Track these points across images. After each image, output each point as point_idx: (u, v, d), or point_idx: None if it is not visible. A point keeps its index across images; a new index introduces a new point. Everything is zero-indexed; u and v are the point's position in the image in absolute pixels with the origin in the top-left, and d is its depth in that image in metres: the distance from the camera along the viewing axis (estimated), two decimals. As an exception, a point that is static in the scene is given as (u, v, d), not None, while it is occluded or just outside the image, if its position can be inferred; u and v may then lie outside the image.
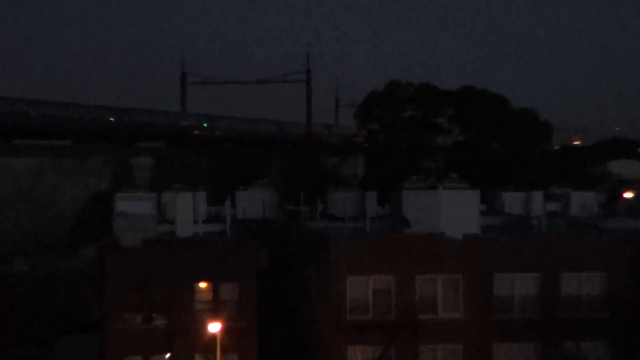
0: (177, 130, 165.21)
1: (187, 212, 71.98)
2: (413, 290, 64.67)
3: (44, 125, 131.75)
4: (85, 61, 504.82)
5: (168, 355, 63.71)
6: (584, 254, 66.29)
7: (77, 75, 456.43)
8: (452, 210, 66.64)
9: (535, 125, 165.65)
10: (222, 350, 61.52)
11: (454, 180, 72.54)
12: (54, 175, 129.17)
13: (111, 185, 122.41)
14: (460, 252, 65.16)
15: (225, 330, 61.87)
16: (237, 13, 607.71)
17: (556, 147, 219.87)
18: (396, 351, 64.52)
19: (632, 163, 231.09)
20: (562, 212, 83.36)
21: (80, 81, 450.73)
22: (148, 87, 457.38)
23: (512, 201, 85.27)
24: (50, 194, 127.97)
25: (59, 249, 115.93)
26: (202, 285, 64.34)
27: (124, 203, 70.93)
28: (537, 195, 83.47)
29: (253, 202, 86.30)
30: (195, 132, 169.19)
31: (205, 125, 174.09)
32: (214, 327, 61.56)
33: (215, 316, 62.49)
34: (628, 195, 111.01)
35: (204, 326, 62.30)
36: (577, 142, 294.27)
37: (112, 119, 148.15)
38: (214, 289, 64.35)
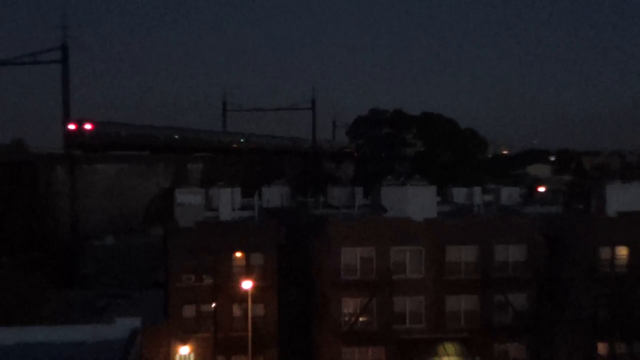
0: (221, 144, 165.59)
1: (227, 202, 71.91)
2: (388, 258, 64.48)
3: (130, 141, 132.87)
4: (155, 90, 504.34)
5: (214, 304, 63.56)
6: (510, 231, 66.07)
7: (148, 102, 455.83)
8: (416, 201, 66.39)
9: (475, 140, 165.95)
10: (252, 301, 61.48)
11: (418, 179, 72.40)
12: (132, 177, 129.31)
13: (172, 183, 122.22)
14: (422, 231, 64.96)
15: (255, 287, 61.84)
16: (261, 58, 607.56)
17: (490, 156, 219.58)
18: (377, 301, 64.40)
19: (543, 167, 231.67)
20: (495, 201, 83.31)
21: (150, 107, 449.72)
22: (198, 111, 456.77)
23: (459, 194, 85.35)
24: (129, 190, 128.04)
25: (136, 229, 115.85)
26: (238, 254, 64.15)
27: (181, 196, 70.72)
28: (477, 190, 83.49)
29: (274, 195, 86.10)
30: (234, 145, 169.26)
31: (242, 140, 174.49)
32: (247, 284, 61.48)
33: (247, 276, 62.44)
34: (541, 189, 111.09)
35: (239, 284, 62.23)
36: (505, 152, 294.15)
37: (176, 136, 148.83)
38: (246, 257, 64.19)
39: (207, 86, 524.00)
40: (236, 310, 63.51)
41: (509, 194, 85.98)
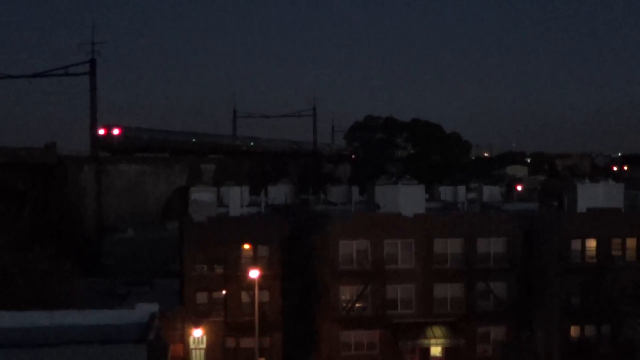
0: (233, 147, 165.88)
1: (236, 199, 71.68)
2: (382, 250, 64.26)
3: (153, 144, 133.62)
4: (171, 97, 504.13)
5: (224, 291, 63.33)
6: (491, 226, 65.89)
7: (164, 108, 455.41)
8: (407, 198, 66.21)
9: (459, 143, 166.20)
10: (258, 289, 61.17)
11: (408, 179, 72.05)
12: (152, 176, 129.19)
13: (188, 182, 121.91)
14: (412, 225, 64.73)
15: (261, 276, 61.50)
16: (266, 69, 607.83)
17: (473, 157, 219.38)
18: (371, 289, 64.17)
19: (521, 167, 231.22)
20: (477, 199, 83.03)
21: (167, 112, 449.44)
22: (212, 117, 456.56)
23: (445, 192, 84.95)
24: (149, 188, 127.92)
25: (154, 224, 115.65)
26: (246, 246, 63.85)
27: (195, 194, 70.51)
28: (461, 189, 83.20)
29: (278, 193, 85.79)
30: (243, 148, 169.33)
31: (252, 144, 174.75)
32: (254, 273, 61.15)
33: (254, 266, 62.13)
34: (519, 188, 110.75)
35: (247, 273, 61.91)
36: (486, 154, 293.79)
37: (194, 140, 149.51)
38: (254, 248, 63.90)
39: (217, 95, 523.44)
40: (244, 297, 63.26)
41: (490, 192, 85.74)
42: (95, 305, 52.69)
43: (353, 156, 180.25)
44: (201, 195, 69.13)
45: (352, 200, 74.13)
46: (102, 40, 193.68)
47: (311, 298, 67.11)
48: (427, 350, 64.23)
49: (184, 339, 62.63)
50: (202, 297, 63.36)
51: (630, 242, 64.66)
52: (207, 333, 62.85)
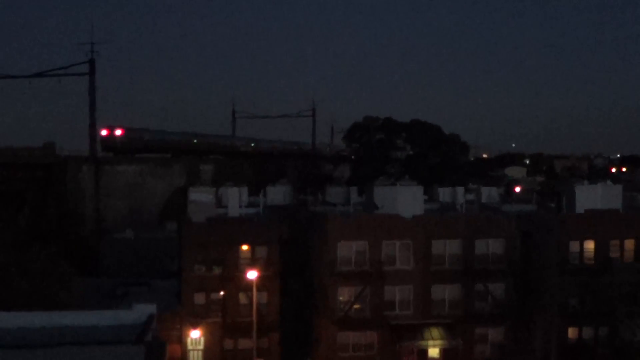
0: (234, 148, 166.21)
1: (235, 200, 71.63)
2: (380, 251, 64.24)
3: (155, 145, 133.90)
4: (171, 98, 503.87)
5: (222, 292, 63.29)
6: (489, 227, 65.89)
7: (164, 108, 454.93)
8: (405, 199, 66.16)
9: (458, 145, 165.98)
10: (257, 290, 61.16)
11: (407, 180, 72.24)
12: (151, 177, 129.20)
13: (186, 183, 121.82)
14: (411, 226, 64.70)
15: (259, 277, 61.50)
16: (265, 70, 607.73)
17: (472, 159, 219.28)
18: (370, 290, 64.13)
19: (519, 169, 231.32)
20: (476, 200, 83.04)
21: (167, 112, 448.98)
22: (210, 117, 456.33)
23: (443, 193, 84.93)
24: (148, 188, 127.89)
25: (153, 224, 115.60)
26: (244, 247, 63.82)
27: (194, 194, 70.39)
28: (460, 190, 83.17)
29: (278, 194, 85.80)
30: (242, 149, 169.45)
31: (252, 145, 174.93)
32: (252, 274, 61.14)
33: (252, 267, 62.10)
34: (517, 189, 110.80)
35: (245, 274, 61.89)
36: (485, 155, 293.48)
37: (195, 141, 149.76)
38: (252, 249, 63.87)
39: (216, 95, 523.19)
40: (242, 298, 63.24)
41: (489, 194, 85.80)
42: (93, 305, 52.73)
43: (353, 157, 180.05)
44: (200, 195, 69.02)
45: (351, 201, 74.11)
46: (102, 40, 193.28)
47: (309, 299, 67.07)
48: (425, 351, 64.18)
49: (181, 340, 62.57)
50: (200, 298, 63.31)
51: (629, 244, 64.68)
52: (205, 334, 62.80)
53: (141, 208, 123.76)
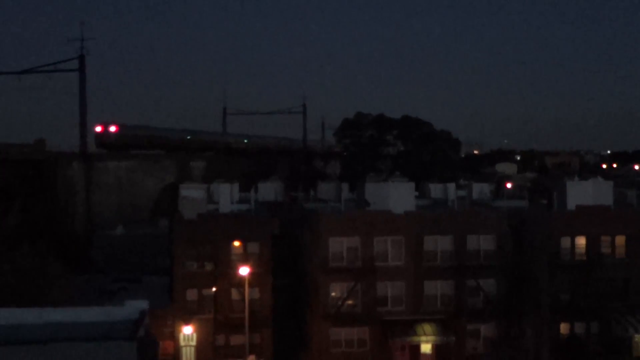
0: (227, 144, 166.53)
1: (226, 196, 71.64)
2: (372, 247, 64.27)
3: (149, 141, 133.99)
4: (162, 94, 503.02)
5: (214, 289, 63.29)
6: (481, 223, 66.00)
7: (156, 104, 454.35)
8: (397, 196, 66.20)
9: (449, 141, 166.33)
10: (249, 286, 61.17)
11: (398, 176, 72.29)
12: (141, 173, 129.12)
13: (177, 179, 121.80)
14: (402, 222, 64.76)
15: (251, 273, 61.50)
16: (256, 66, 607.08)
17: (463, 155, 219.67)
18: (361, 286, 64.19)
19: (510, 165, 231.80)
20: (467, 196, 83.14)
21: (158, 109, 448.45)
22: (201, 114, 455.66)
23: (435, 190, 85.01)
24: (139, 185, 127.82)
25: (144, 220, 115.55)
26: (236, 243, 63.82)
27: (185, 191, 70.38)
28: (451, 186, 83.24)
29: (269, 190, 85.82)
30: (235, 146, 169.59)
31: (246, 141, 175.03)
32: (244, 270, 61.14)
33: (244, 263, 62.10)
34: (508, 185, 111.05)
35: (237, 270, 61.89)
36: (476, 152, 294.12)
37: (188, 137, 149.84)
38: (244, 245, 63.88)
39: (207, 92, 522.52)
40: (234, 294, 63.27)
41: (480, 190, 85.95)
42: (84, 302, 52.62)
43: (344, 153, 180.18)
44: (191, 192, 69.01)
45: (342, 197, 74.19)
46: (92, 37, 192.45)
47: (301, 295, 67.11)
48: (417, 347, 64.26)
49: (174, 336, 62.56)
50: (192, 294, 63.29)
51: (619, 240, 64.81)
52: (197, 330, 62.80)
53: (132, 204, 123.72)
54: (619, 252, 64.76)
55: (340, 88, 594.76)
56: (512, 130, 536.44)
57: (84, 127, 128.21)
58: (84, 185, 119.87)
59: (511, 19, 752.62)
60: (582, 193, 65.78)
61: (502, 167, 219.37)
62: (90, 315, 41.41)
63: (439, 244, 65.27)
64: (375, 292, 64.33)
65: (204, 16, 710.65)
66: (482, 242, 65.65)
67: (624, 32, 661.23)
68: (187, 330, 62.55)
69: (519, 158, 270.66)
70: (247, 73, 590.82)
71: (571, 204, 65.30)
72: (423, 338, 63.82)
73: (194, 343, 63.00)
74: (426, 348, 64.27)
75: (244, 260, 62.63)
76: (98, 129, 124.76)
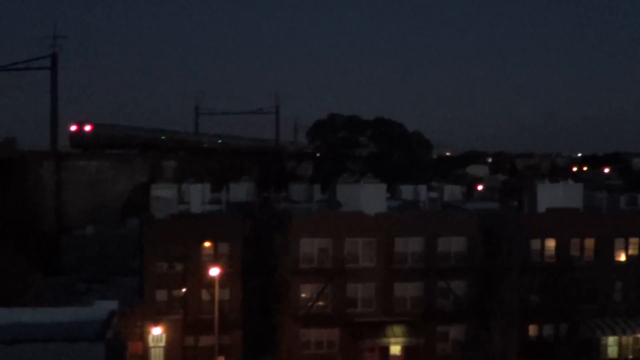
0: (200, 144, 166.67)
1: (197, 196, 71.32)
2: (343, 248, 64.25)
3: (123, 141, 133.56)
4: (134, 94, 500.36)
5: (184, 289, 63.04)
6: (452, 225, 66.17)
7: (128, 104, 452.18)
8: (368, 197, 66.21)
9: (422, 143, 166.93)
10: (219, 287, 61.01)
11: (370, 177, 72.10)
12: (112, 172, 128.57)
13: (149, 179, 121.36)
14: (373, 224, 64.82)
15: (221, 274, 61.34)
16: (229, 66, 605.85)
17: (435, 157, 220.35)
18: (332, 288, 64.18)
19: (482, 167, 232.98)
20: (438, 198, 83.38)
21: (130, 109, 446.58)
22: (173, 114, 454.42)
23: (406, 191, 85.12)
24: (109, 184, 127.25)
25: (114, 220, 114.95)
26: (207, 244, 63.57)
27: (156, 190, 69.95)
28: (422, 188, 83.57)
29: (240, 190, 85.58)
30: (205, 145, 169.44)
31: (220, 141, 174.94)
32: (214, 271, 60.97)
33: (215, 264, 61.92)
34: (479, 187, 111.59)
35: (207, 270, 61.71)
36: (448, 154, 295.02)
37: (163, 137, 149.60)
38: (214, 246, 63.64)
39: (179, 91, 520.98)
40: (204, 295, 62.99)
41: (451, 192, 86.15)
42: (53, 302, 52.31)
43: (317, 154, 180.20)
44: (162, 192, 68.62)
45: (314, 198, 74.13)
46: (64, 35, 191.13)
47: (272, 296, 66.99)
48: (387, 349, 64.37)
49: (143, 337, 62.21)
50: (161, 295, 62.97)
51: (589, 243, 65.35)
52: (167, 331, 62.51)
53: (103, 204, 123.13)
54: (588, 255, 65.31)
55: (313, 89, 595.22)
56: (483, 133, 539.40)
57: (56, 125, 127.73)
58: (54, 185, 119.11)
59: (482, 21, 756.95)
60: (552, 196, 66.18)
61: (474, 169, 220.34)
62: (59, 315, 41.23)
63: (409, 245, 65.38)
64: (345, 293, 64.34)
65: (178, 16, 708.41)
66: (452, 244, 65.80)
67: (594, 35, 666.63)
68: (157, 331, 62.24)
69: (490, 160, 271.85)
70: (220, 73, 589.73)
71: (542, 207, 65.68)
72: (392, 340, 63.93)
73: (163, 344, 62.70)
74: (395, 350, 64.41)
75: (215, 261, 62.48)
76: (73, 128, 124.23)
